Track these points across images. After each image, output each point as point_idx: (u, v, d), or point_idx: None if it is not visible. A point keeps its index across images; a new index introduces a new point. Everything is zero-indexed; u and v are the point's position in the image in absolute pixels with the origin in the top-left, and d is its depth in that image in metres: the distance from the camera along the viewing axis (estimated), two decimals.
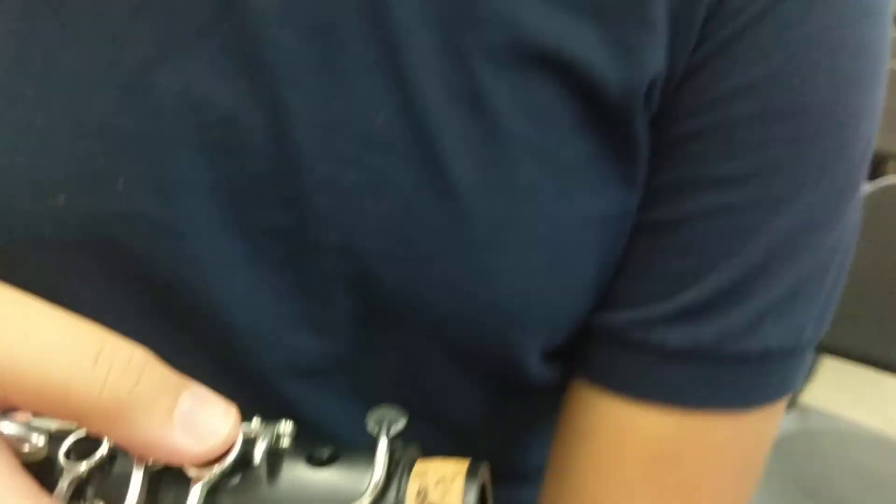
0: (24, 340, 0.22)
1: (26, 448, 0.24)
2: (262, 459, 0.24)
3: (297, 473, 0.24)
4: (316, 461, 0.24)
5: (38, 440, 0.24)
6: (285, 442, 0.25)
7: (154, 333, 0.30)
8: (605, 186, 0.35)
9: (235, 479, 0.24)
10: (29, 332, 0.22)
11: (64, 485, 0.24)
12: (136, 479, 0.24)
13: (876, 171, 1.92)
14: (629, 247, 0.37)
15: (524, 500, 0.45)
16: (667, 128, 0.35)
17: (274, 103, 0.33)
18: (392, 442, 0.24)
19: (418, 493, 0.23)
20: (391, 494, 0.23)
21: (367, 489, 0.23)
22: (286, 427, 0.25)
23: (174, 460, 0.23)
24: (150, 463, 0.24)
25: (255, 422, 0.25)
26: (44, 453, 0.24)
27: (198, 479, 0.23)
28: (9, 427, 0.24)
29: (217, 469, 0.23)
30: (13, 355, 0.22)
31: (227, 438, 0.23)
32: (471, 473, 0.23)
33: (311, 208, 0.33)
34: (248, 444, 0.24)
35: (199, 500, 0.23)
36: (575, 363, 0.39)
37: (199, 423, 0.23)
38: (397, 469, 0.24)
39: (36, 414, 0.24)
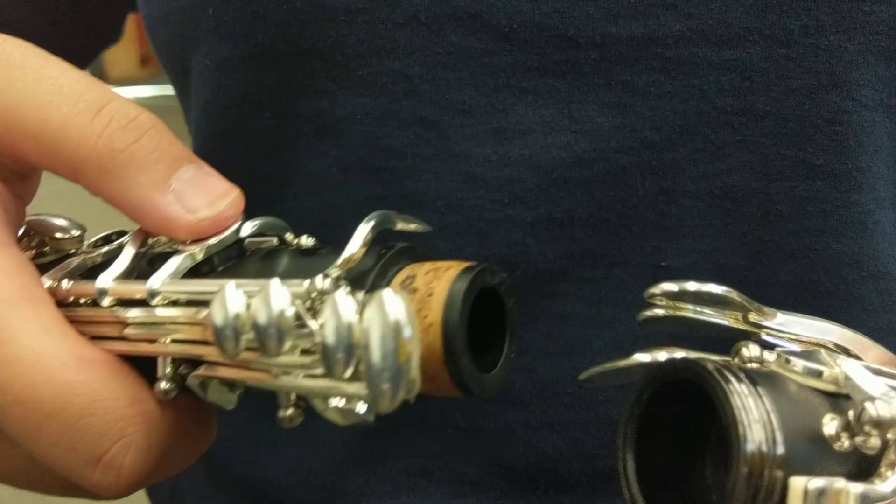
0: (36, 86, 0.23)
1: (59, 234, 0.25)
2: (254, 251, 0.24)
3: (282, 258, 0.24)
4: (304, 251, 0.24)
5: (74, 231, 0.26)
6: (306, 246, 0.24)
7: None
8: None
9: (223, 266, 0.24)
10: (42, 80, 0.23)
11: (72, 262, 0.25)
12: (127, 253, 0.24)
13: None
14: None
15: None
16: None
17: None
18: (394, 245, 0.23)
19: (406, 278, 0.22)
20: (372, 276, 0.22)
21: (338, 261, 0.22)
22: (307, 240, 0.25)
23: (162, 229, 0.23)
24: (148, 243, 0.24)
25: (289, 234, 0.25)
26: (73, 247, 0.26)
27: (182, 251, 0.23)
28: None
29: (200, 246, 0.23)
30: (23, 99, 0.23)
31: (220, 217, 0.23)
32: (472, 268, 0.21)
33: None
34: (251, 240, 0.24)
35: (176, 268, 0.23)
36: None
37: (194, 195, 0.23)
38: (396, 261, 0.23)
39: None
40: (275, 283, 0.20)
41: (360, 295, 0.21)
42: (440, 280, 0.21)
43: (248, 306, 0.20)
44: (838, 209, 0.31)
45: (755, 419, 0.18)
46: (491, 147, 0.31)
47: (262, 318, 0.20)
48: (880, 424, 0.18)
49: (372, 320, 0.18)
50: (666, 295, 0.22)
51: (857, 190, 0.31)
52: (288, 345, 0.20)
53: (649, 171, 0.31)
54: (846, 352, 0.22)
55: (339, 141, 0.32)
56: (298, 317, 0.20)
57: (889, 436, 0.18)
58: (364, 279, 0.22)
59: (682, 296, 0.22)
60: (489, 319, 0.23)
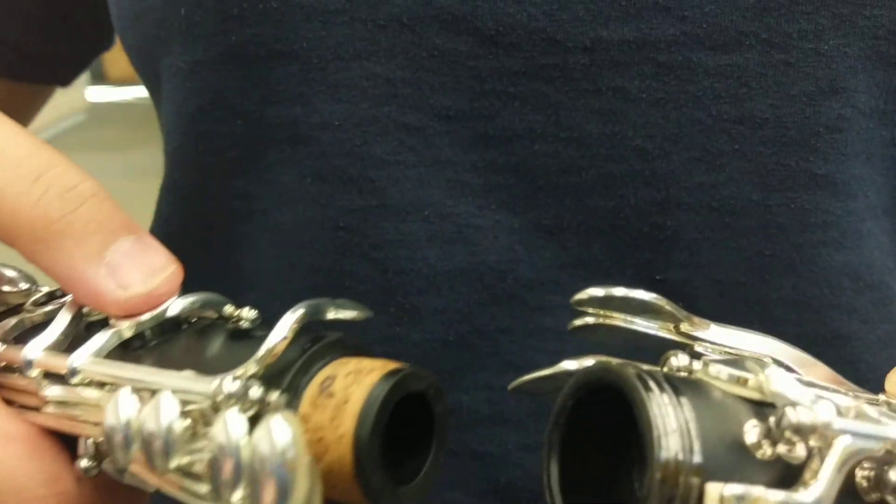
0: None
1: (6, 287, 0.25)
2: (187, 327, 0.23)
3: (214, 339, 0.23)
4: (238, 333, 0.23)
5: (22, 284, 0.25)
6: (244, 325, 0.24)
7: None
8: None
9: (155, 341, 0.23)
10: None
11: (10, 322, 0.24)
12: (62, 319, 0.23)
13: None
14: None
15: None
16: None
17: None
18: (320, 333, 0.22)
19: (326, 379, 0.21)
20: (292, 373, 0.21)
21: (257, 355, 0.21)
22: (249, 313, 0.24)
23: (93, 303, 0.23)
24: (84, 311, 0.24)
25: (229, 307, 0.24)
26: (20, 300, 0.25)
27: (111, 326, 0.23)
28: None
29: (131, 322, 0.23)
30: None
31: (154, 294, 0.23)
32: (395, 372, 0.20)
33: None
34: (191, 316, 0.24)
35: (101, 346, 0.22)
36: None
37: (129, 269, 0.23)
38: (322, 356, 0.22)
39: None
40: (166, 395, 0.20)
41: (274, 395, 0.20)
42: (359, 385, 0.20)
43: (140, 412, 0.20)
44: (838, 219, 0.30)
45: (672, 426, 0.17)
46: (477, 153, 0.30)
47: (149, 430, 0.19)
48: (801, 430, 0.17)
49: (259, 446, 0.18)
50: (593, 301, 0.21)
51: (853, 199, 0.30)
52: (175, 460, 0.19)
53: (641, 181, 0.30)
54: (781, 366, 0.22)
55: (314, 149, 0.31)
56: (191, 429, 0.20)
57: (812, 444, 0.18)
58: (283, 376, 0.21)
59: (610, 302, 0.21)
60: (417, 420, 0.22)
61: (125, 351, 0.23)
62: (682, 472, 0.17)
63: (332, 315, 0.23)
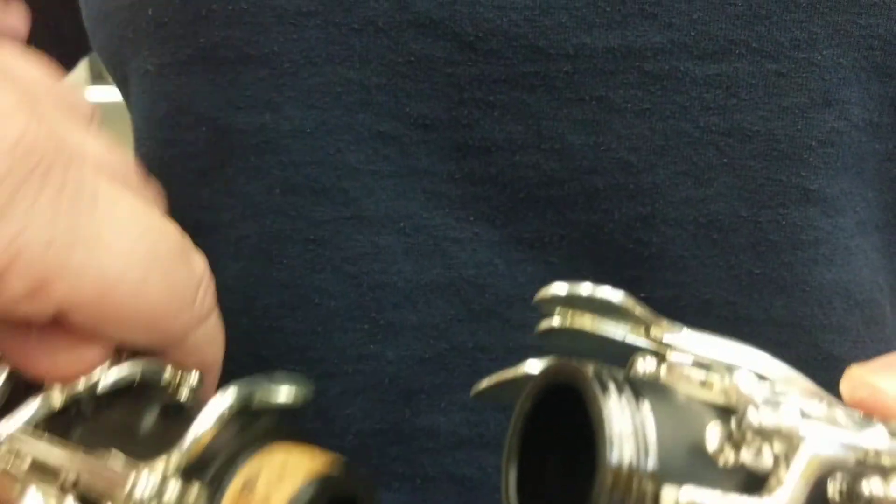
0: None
1: None
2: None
3: (149, 413, 0.23)
4: (174, 407, 0.23)
5: None
6: (183, 394, 0.23)
7: None
8: None
9: (89, 410, 0.23)
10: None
11: None
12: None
13: None
14: None
15: None
16: None
17: None
18: (253, 415, 0.21)
19: (249, 478, 0.20)
20: (216, 465, 0.20)
21: (172, 450, 0.20)
22: (192, 379, 0.23)
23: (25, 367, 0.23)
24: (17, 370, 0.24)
25: (168, 373, 0.24)
26: None
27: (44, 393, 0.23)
28: None
29: (62, 389, 0.23)
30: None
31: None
32: (321, 477, 0.20)
33: None
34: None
35: (32, 415, 0.22)
36: None
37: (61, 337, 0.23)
38: (252, 444, 0.21)
39: None
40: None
41: (194, 491, 0.20)
42: (282, 486, 0.20)
43: None
44: (829, 236, 0.29)
45: (627, 429, 0.16)
46: (455, 164, 0.29)
47: None
48: (763, 433, 0.16)
49: None
50: (556, 300, 0.20)
51: (842, 214, 0.29)
52: None
53: (626, 195, 0.29)
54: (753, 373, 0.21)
55: (284, 158, 0.30)
56: None
57: (777, 450, 0.17)
58: (208, 466, 0.20)
59: (575, 301, 0.20)
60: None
61: (59, 418, 0.23)
62: (635, 477, 0.16)
63: (264, 399, 0.22)
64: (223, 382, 0.31)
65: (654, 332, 0.20)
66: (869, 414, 0.20)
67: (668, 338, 0.20)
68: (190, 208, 0.32)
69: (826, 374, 0.30)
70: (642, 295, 0.29)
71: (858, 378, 0.21)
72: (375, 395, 0.30)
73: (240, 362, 0.31)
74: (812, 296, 0.30)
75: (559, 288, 0.20)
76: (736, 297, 0.29)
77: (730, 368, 0.19)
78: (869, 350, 0.31)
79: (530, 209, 0.29)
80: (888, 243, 0.32)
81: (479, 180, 0.29)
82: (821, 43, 0.28)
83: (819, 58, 0.28)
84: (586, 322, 0.21)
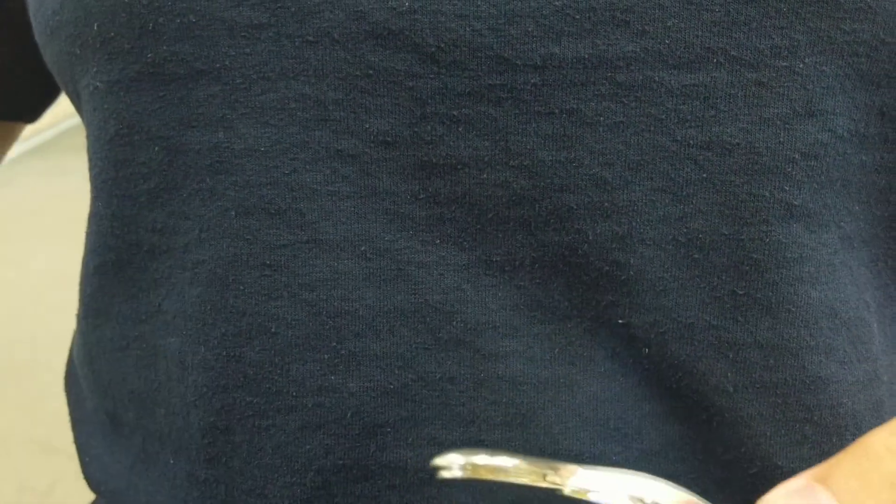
0: None
1: None
2: None
3: None
4: None
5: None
6: None
7: None
8: None
9: None
10: None
11: None
12: None
13: None
14: None
15: None
16: None
17: None
18: None
19: None
20: None
21: None
22: None
23: None
24: None
25: None
26: None
27: None
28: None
29: None
30: None
31: None
32: None
33: None
34: None
35: None
36: None
37: None
38: None
39: None
40: None
41: None
42: None
43: None
44: (813, 253, 0.28)
45: None
46: (419, 183, 0.28)
47: None
48: None
49: None
50: (455, 467, 0.22)
51: (826, 229, 0.28)
52: None
53: (600, 214, 0.27)
54: None
55: (238, 178, 0.28)
56: None
57: None
58: None
59: (474, 468, 0.22)
60: None
61: None
62: None
63: None
64: (189, 410, 0.29)
65: (550, 478, 0.22)
66: None
67: (565, 482, 0.22)
68: (144, 231, 0.31)
69: (812, 398, 0.29)
70: (620, 321, 0.28)
71: None
72: (337, 430, 0.29)
73: (199, 392, 0.30)
74: (798, 316, 0.28)
75: (457, 457, 0.22)
76: (719, 321, 0.28)
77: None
78: (856, 370, 0.30)
79: (499, 230, 0.28)
80: (875, 258, 0.30)
81: (444, 200, 0.28)
82: (803, 50, 0.26)
83: (801, 66, 0.26)
84: (489, 475, 0.22)
